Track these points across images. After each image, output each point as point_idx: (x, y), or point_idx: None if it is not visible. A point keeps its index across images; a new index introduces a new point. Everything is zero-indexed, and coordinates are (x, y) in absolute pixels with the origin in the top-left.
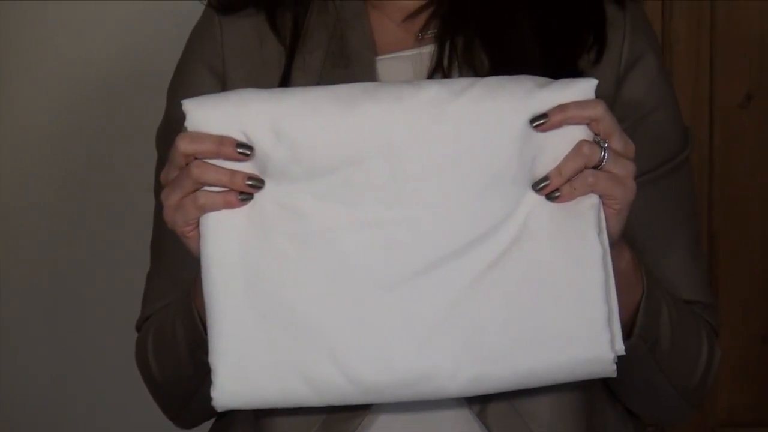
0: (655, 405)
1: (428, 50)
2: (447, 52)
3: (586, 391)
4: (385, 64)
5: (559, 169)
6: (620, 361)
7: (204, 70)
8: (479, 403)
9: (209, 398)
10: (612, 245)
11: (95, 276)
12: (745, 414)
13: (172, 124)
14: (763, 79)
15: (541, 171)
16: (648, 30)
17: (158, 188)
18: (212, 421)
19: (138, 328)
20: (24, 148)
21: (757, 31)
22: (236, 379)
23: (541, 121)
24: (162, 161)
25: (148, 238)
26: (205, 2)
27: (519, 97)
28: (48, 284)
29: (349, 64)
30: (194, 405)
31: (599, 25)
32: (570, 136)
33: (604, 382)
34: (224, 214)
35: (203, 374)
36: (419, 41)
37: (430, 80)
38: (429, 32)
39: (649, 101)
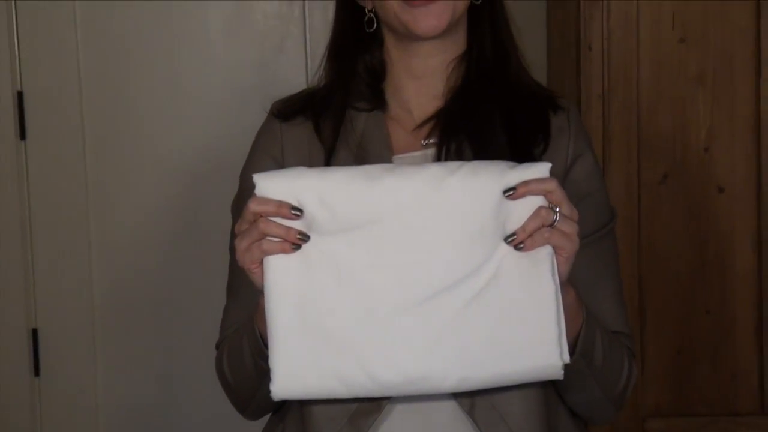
0: (590, 406)
1: (431, 152)
2: (444, 154)
3: (545, 395)
4: (398, 162)
5: (523, 227)
6: (566, 370)
7: (268, 159)
8: (468, 398)
9: (267, 395)
10: (561, 285)
11: (190, 309)
12: (668, 407)
13: (244, 196)
14: (675, 164)
15: (511, 228)
16: (585, 134)
17: (232, 246)
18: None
19: (217, 347)
20: (139, 213)
21: (670, 129)
22: (288, 377)
23: (511, 192)
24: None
25: (223, 284)
26: (268, 111)
27: (495, 175)
28: (157, 322)
29: (372, 161)
30: (255, 402)
31: (545, 129)
32: (531, 203)
33: (556, 389)
34: (281, 257)
35: (262, 377)
36: (424, 146)
37: (431, 163)
38: (431, 140)
39: (587, 187)
